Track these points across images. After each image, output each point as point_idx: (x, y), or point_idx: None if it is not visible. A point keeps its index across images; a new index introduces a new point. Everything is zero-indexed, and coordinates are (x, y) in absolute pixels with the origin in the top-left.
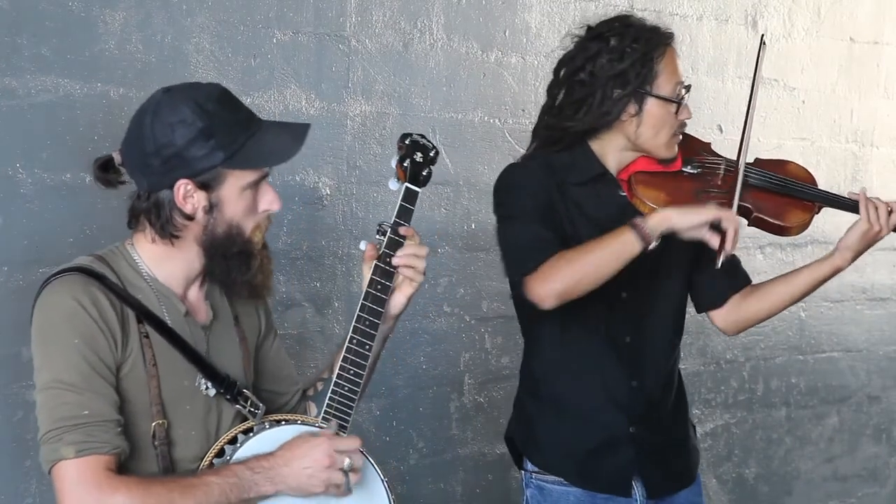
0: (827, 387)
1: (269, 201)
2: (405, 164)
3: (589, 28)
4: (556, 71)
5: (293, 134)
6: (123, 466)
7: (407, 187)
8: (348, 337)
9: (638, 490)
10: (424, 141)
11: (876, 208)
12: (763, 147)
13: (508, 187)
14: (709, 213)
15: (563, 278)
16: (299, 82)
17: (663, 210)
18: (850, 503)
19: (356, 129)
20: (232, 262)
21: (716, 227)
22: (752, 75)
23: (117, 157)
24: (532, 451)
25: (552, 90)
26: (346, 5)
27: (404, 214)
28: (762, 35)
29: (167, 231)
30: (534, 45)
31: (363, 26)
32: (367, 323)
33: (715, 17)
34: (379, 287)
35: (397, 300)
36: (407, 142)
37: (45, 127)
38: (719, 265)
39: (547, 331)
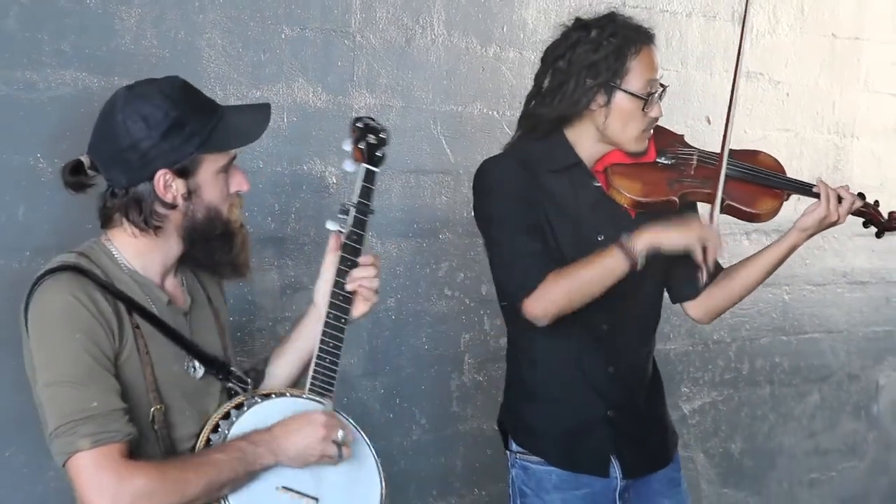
0: (809, 366)
1: (238, 182)
2: (361, 146)
3: (577, 20)
4: (542, 59)
5: (257, 113)
6: (139, 450)
7: (367, 168)
8: (325, 312)
9: (616, 469)
10: (375, 123)
11: (838, 197)
12: (749, 138)
13: (487, 190)
14: (693, 235)
15: (557, 301)
16: (306, 76)
17: (650, 231)
18: (830, 476)
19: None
20: (215, 245)
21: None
22: (730, 67)
23: (86, 160)
24: (516, 433)
25: (538, 78)
26: (351, 2)
27: (366, 194)
28: (743, 17)
29: (150, 223)
30: (530, 41)
31: (367, 22)
32: (342, 298)
33: (703, 13)
34: (348, 263)
35: (356, 312)
36: (359, 125)
37: (64, 119)
38: (702, 284)
39: (529, 321)
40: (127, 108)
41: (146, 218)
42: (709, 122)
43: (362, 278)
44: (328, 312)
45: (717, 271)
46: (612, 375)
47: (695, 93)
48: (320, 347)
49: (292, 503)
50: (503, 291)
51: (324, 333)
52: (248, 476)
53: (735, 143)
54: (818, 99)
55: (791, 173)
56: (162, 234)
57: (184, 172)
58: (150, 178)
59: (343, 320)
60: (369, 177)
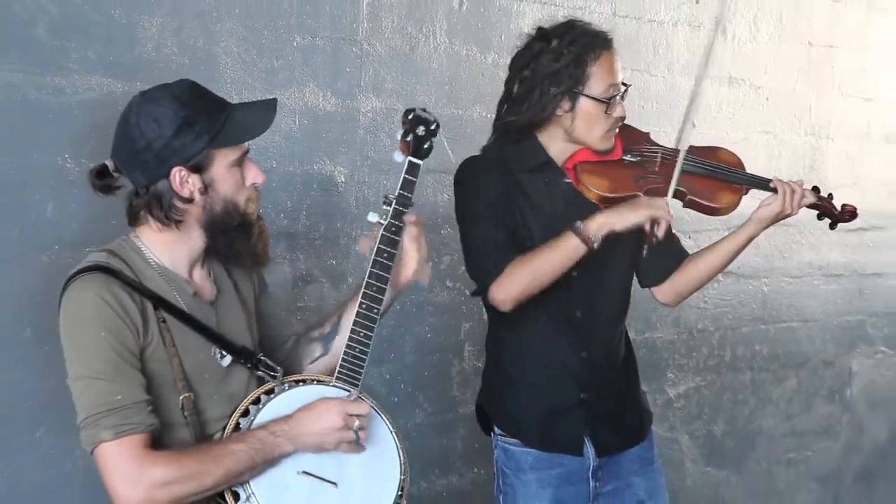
0: (787, 353)
1: (253, 175)
2: (408, 139)
3: (539, 29)
4: (510, 66)
5: (264, 108)
6: (160, 439)
7: (410, 161)
8: (358, 302)
9: (589, 449)
10: (426, 115)
11: (792, 192)
12: (731, 139)
13: (466, 184)
14: (643, 212)
15: (521, 285)
16: (317, 81)
17: (602, 215)
18: (806, 456)
19: (368, 123)
20: (234, 236)
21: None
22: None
23: (110, 164)
24: (497, 417)
25: (507, 84)
26: (359, 12)
27: (408, 186)
28: (716, 21)
29: (171, 218)
30: None
31: (374, 31)
32: (375, 289)
33: (688, 23)
34: (385, 255)
35: (407, 272)
36: (410, 117)
37: (90, 122)
38: (645, 254)
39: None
40: (140, 112)
41: (167, 213)
42: (693, 124)
43: (415, 251)
44: (360, 303)
45: (683, 257)
46: (586, 360)
47: (680, 97)
48: (350, 336)
49: (311, 487)
50: (473, 280)
51: (355, 323)
52: (267, 464)
53: (720, 145)
54: (795, 103)
55: (770, 173)
56: (184, 228)
57: (198, 168)
58: (167, 176)
59: (375, 310)
60: (411, 169)
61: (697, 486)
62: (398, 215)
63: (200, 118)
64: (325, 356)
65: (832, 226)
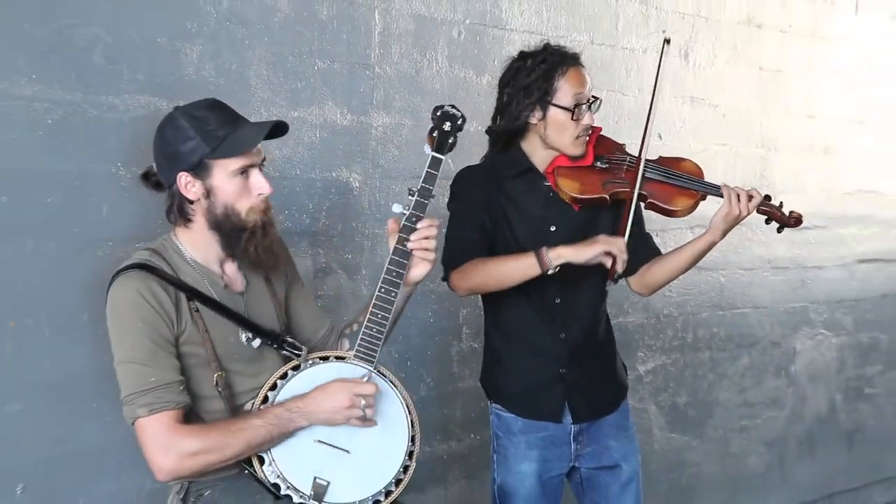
0: (740, 335)
1: (258, 186)
2: (434, 134)
3: (520, 52)
4: (499, 83)
5: (260, 128)
6: (198, 409)
7: (432, 156)
8: (378, 286)
9: (568, 416)
10: (454, 111)
11: (738, 196)
12: (693, 150)
13: (458, 189)
14: (598, 248)
15: (475, 280)
16: (335, 100)
17: (563, 248)
18: (756, 423)
19: (379, 136)
20: (232, 237)
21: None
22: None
23: (153, 167)
24: (490, 389)
25: (497, 101)
26: (371, 40)
27: (430, 179)
28: (666, 38)
29: (184, 215)
30: None
31: (384, 57)
32: (394, 274)
33: (655, 50)
34: (405, 243)
35: (416, 272)
36: (438, 113)
37: (139, 135)
38: (608, 286)
39: (497, 297)
40: (167, 124)
41: (179, 211)
42: (660, 137)
43: (420, 239)
44: (380, 287)
45: (655, 254)
46: (564, 340)
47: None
48: (369, 317)
49: (326, 454)
50: (442, 265)
51: (374, 305)
52: (284, 436)
53: (679, 155)
54: (748, 120)
55: (726, 180)
56: (201, 228)
57: (200, 175)
58: (177, 180)
59: (393, 293)
60: (434, 163)
61: (663, 449)
62: (420, 206)
63: (206, 132)
64: (352, 350)
65: (780, 230)
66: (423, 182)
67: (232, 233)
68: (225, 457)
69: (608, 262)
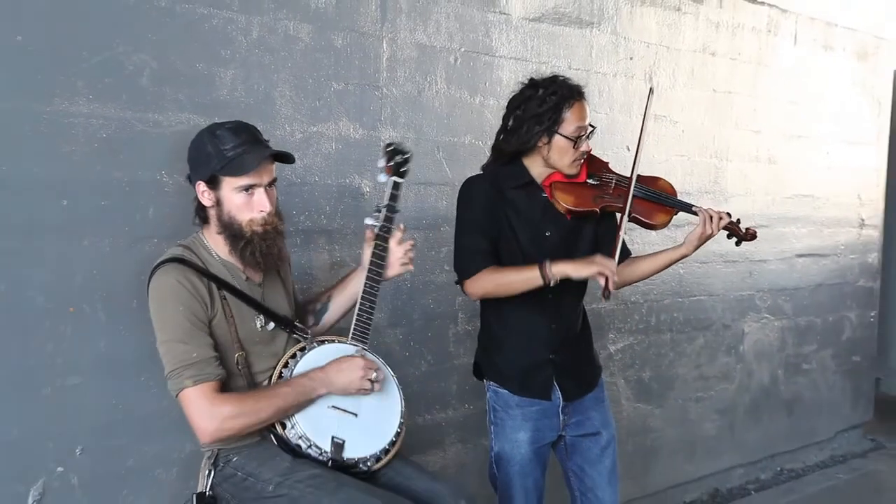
0: (696, 319)
1: (259, 204)
2: (391, 164)
3: (531, 79)
4: (507, 105)
5: (259, 154)
6: (226, 385)
7: (394, 180)
8: (364, 284)
9: (557, 394)
10: (401, 147)
11: (711, 217)
12: (657, 160)
13: (464, 200)
14: (593, 269)
15: (486, 288)
16: (349, 117)
17: (564, 264)
18: (710, 395)
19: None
20: (234, 241)
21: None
22: (650, 114)
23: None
24: (489, 370)
25: (504, 119)
26: (380, 66)
27: (394, 198)
28: (650, 87)
29: (202, 218)
30: (504, 92)
31: (391, 80)
32: (376, 273)
33: (624, 74)
34: (380, 248)
35: (391, 273)
36: (390, 148)
37: (180, 147)
38: (602, 301)
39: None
40: (197, 139)
41: (197, 213)
42: (628, 149)
43: (404, 256)
44: (365, 283)
45: (627, 256)
46: (554, 330)
47: (618, 129)
48: (359, 307)
49: (339, 417)
50: (455, 272)
51: (362, 298)
52: (306, 402)
53: (646, 166)
54: (703, 134)
55: (685, 187)
56: (217, 230)
57: (212, 186)
58: (193, 185)
59: (376, 288)
60: (396, 186)
61: (630, 417)
62: (388, 220)
63: (220, 150)
64: (315, 326)
65: (738, 244)
66: (390, 201)
67: (234, 238)
68: (259, 419)
69: (601, 281)
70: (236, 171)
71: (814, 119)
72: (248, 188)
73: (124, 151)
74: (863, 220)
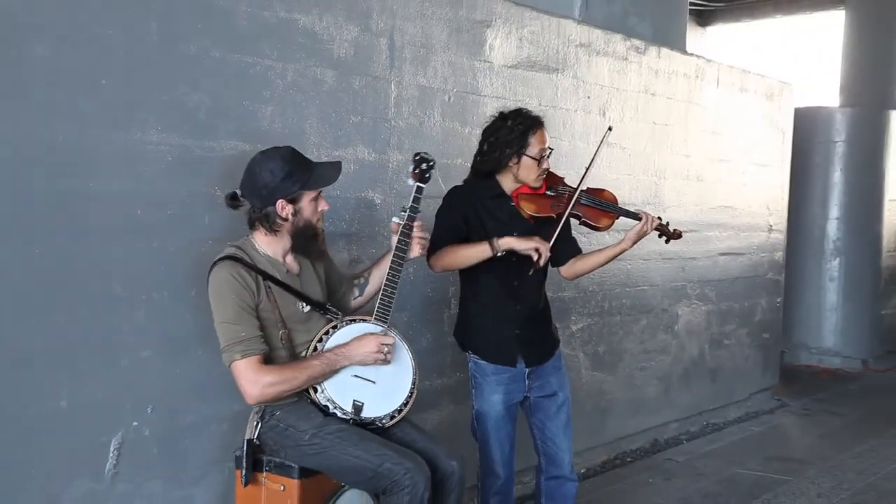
0: (641, 304)
1: (322, 206)
2: (416, 171)
3: (500, 112)
4: (483, 133)
5: (334, 168)
6: (269, 358)
7: (418, 185)
8: (387, 266)
9: (521, 363)
10: (427, 155)
11: (649, 219)
12: (609, 177)
13: (446, 201)
14: (531, 244)
15: (444, 260)
16: (363, 143)
17: (510, 238)
18: (651, 365)
19: (394, 168)
20: (309, 241)
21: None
22: (597, 139)
23: (239, 192)
24: (467, 342)
25: (480, 144)
26: (389, 103)
27: (417, 200)
28: (609, 126)
29: (273, 228)
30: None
31: (398, 113)
32: (399, 258)
33: (584, 110)
34: (403, 242)
35: (414, 251)
36: (417, 157)
37: (230, 168)
38: (531, 273)
39: (469, 275)
40: (261, 164)
41: (271, 225)
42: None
43: (419, 237)
44: (389, 270)
45: (578, 252)
46: (519, 310)
47: (578, 153)
48: (383, 291)
49: (360, 384)
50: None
51: (386, 283)
52: (333, 372)
53: (599, 181)
54: (646, 158)
55: (632, 200)
56: (280, 234)
57: (292, 201)
58: (274, 204)
59: (398, 275)
60: (419, 190)
61: (588, 383)
62: (412, 218)
63: (297, 172)
64: (359, 297)
65: (667, 242)
66: (413, 203)
67: (309, 236)
68: (293, 386)
69: (535, 256)
70: (317, 185)
71: (732, 146)
72: (317, 196)
73: (185, 171)
74: (771, 226)
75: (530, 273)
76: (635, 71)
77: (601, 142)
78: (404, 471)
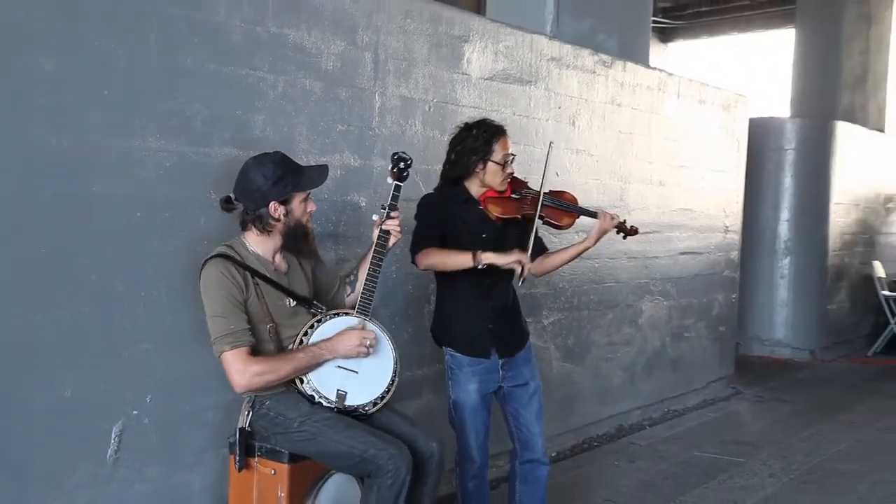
0: (607, 300)
1: (310, 207)
2: (395, 170)
3: (466, 124)
4: (450, 142)
5: (321, 171)
6: (258, 348)
7: (396, 184)
8: (369, 261)
9: (495, 354)
10: (405, 155)
11: (606, 217)
12: (577, 182)
13: (421, 206)
14: (512, 258)
15: (431, 260)
16: (349, 150)
17: (492, 254)
18: (617, 356)
19: (378, 173)
20: (300, 240)
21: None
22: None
23: (233, 195)
24: (444, 337)
25: (448, 153)
26: (373, 112)
27: (395, 198)
28: (550, 142)
29: (265, 229)
30: None
31: (382, 123)
32: (379, 252)
33: (555, 119)
34: (382, 238)
35: (391, 242)
36: (395, 157)
37: (224, 173)
38: (518, 284)
39: (445, 276)
40: (254, 169)
41: (264, 226)
42: (557, 175)
43: (393, 224)
44: (370, 265)
45: (545, 251)
46: (491, 306)
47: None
48: (365, 284)
49: (343, 374)
50: (410, 251)
51: (367, 276)
52: (317, 364)
53: (566, 186)
54: (612, 163)
55: (599, 202)
56: (271, 235)
57: (284, 202)
58: (267, 206)
59: (378, 269)
60: (397, 188)
61: (558, 373)
62: (390, 216)
63: (288, 175)
64: (352, 294)
65: (624, 238)
66: (391, 201)
67: (300, 235)
68: (279, 377)
69: (518, 269)
70: (306, 187)
71: (692, 153)
72: (306, 197)
73: (183, 176)
74: (727, 227)
75: (520, 284)
76: (602, 83)
77: (547, 156)
78: (388, 456)
